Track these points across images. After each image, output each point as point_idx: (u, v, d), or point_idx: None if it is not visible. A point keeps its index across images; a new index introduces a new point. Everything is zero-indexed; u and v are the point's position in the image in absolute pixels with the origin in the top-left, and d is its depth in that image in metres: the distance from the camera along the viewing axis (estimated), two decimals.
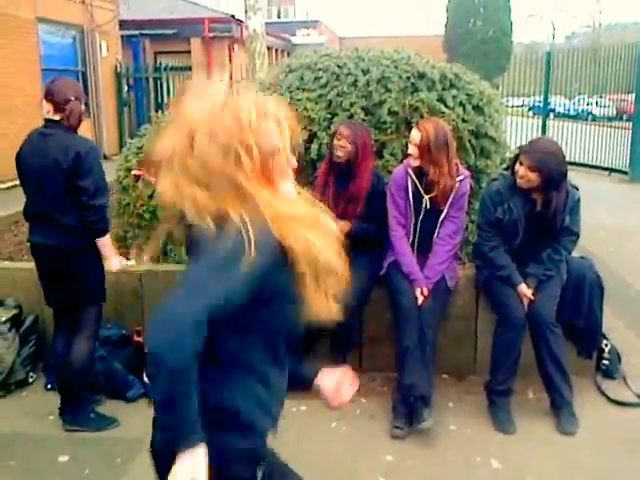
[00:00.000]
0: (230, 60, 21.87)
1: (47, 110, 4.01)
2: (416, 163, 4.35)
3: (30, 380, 4.93)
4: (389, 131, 5.29)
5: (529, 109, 22.38)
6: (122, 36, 17.69)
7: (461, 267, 4.95)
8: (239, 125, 1.78)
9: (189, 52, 21.25)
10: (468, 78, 5.77)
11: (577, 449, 4.00)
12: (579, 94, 19.35)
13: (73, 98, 4.00)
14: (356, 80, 5.43)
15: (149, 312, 5.10)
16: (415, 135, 4.34)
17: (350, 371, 2.27)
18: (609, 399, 4.56)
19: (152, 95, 17.45)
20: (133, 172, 4.86)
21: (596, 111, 19.04)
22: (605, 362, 4.84)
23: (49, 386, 4.84)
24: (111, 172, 5.24)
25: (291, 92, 5.50)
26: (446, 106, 5.33)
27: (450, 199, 4.38)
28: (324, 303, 1.89)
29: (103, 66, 16.08)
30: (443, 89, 5.51)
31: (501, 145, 5.75)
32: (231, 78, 18.99)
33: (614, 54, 15.61)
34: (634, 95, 14.42)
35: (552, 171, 4.09)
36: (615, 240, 8.60)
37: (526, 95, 21.68)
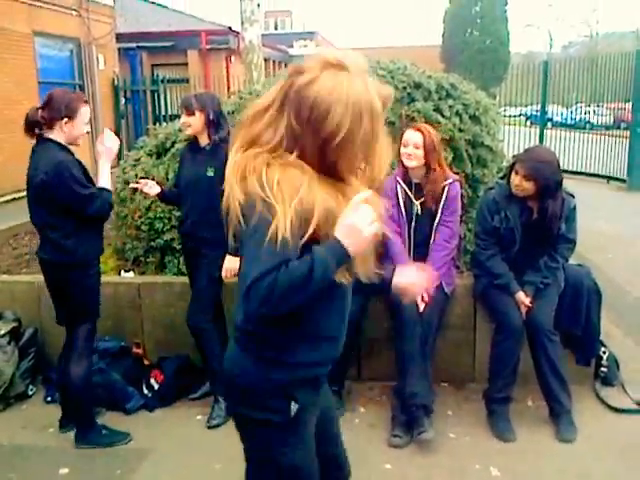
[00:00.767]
0: (227, 72, 21.91)
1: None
2: (415, 163, 4.37)
3: (30, 393, 4.93)
4: None
5: (527, 118, 22.43)
6: (119, 49, 17.72)
7: (459, 276, 4.96)
8: None
9: (186, 64, 21.28)
10: (464, 88, 5.81)
11: (576, 457, 4.00)
12: (577, 103, 19.40)
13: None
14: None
15: (147, 324, 5.11)
16: (415, 136, 4.35)
17: (423, 268, 2.50)
18: (608, 406, 4.56)
19: (149, 108, 17.48)
20: (131, 185, 4.86)
21: (594, 120, 19.09)
22: (603, 369, 4.84)
23: (49, 399, 4.85)
24: None
25: None
26: (442, 116, 5.36)
27: (442, 203, 4.40)
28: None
29: (100, 79, 16.10)
30: (439, 99, 5.54)
31: (498, 154, 5.77)
32: (229, 89, 19.04)
33: (611, 63, 15.65)
34: (631, 103, 14.46)
35: (547, 180, 4.11)
36: (613, 247, 8.60)
37: (524, 104, 21.75)
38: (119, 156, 6.12)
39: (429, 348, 4.33)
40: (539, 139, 16.45)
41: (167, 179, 5.40)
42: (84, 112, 3.96)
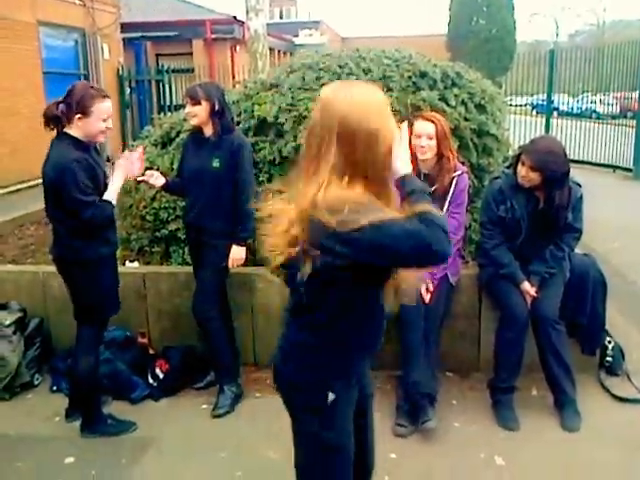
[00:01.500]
0: (232, 61, 21.86)
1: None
2: (429, 155, 4.34)
3: (35, 382, 4.94)
4: None
5: (533, 107, 22.34)
6: (123, 39, 17.71)
7: (464, 266, 4.95)
8: None
9: (191, 54, 21.25)
10: (470, 77, 5.78)
11: (581, 446, 4.00)
12: (583, 92, 19.31)
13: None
14: (357, 80, 5.43)
15: (153, 313, 5.12)
16: (428, 127, 4.30)
17: None
18: (613, 396, 4.56)
19: (154, 97, 17.47)
20: (137, 178, 4.85)
21: (600, 109, 18.98)
22: (608, 359, 4.83)
23: (54, 388, 4.86)
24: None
25: (292, 92, 5.50)
26: (448, 105, 5.33)
27: (450, 195, 4.38)
28: None
29: (105, 69, 16.11)
30: (445, 88, 5.52)
31: (503, 143, 5.75)
32: (234, 79, 19.01)
33: (618, 52, 15.59)
34: (638, 93, 14.40)
35: (554, 171, 4.08)
36: (619, 237, 8.59)
37: (530, 94, 21.65)
38: (124, 146, 6.08)
39: (434, 338, 4.33)
40: (545, 128, 16.39)
41: (172, 169, 5.39)
42: (101, 108, 3.82)
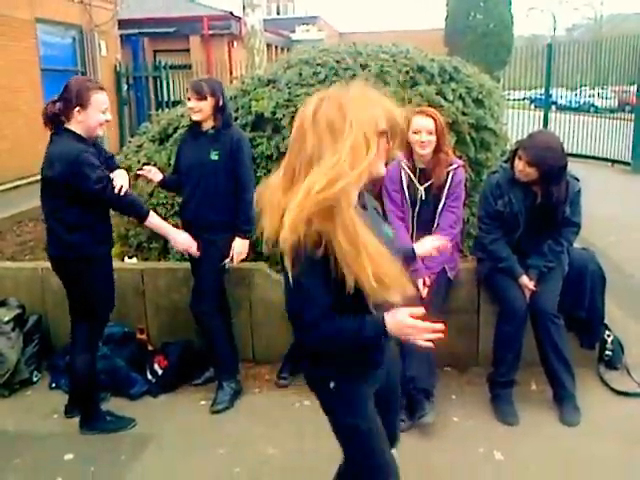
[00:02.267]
0: (230, 57, 21.84)
1: None
2: (429, 150, 4.34)
3: (34, 379, 4.94)
4: None
5: (531, 102, 22.33)
6: (121, 35, 17.65)
7: (463, 260, 4.95)
8: None
9: (188, 50, 21.24)
10: (467, 71, 5.78)
11: (580, 440, 4.00)
12: (581, 86, 19.30)
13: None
14: (355, 75, 5.43)
15: (151, 309, 5.12)
16: (428, 122, 4.30)
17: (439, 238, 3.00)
18: (612, 390, 4.56)
19: (152, 94, 17.44)
20: (137, 171, 4.85)
21: (598, 103, 19.01)
22: (608, 353, 4.83)
23: (53, 385, 4.86)
24: None
25: (290, 88, 5.50)
26: (445, 99, 5.33)
27: (446, 188, 4.38)
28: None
29: (102, 65, 16.05)
30: (442, 82, 5.51)
31: (501, 137, 5.75)
32: (231, 75, 18.99)
33: (616, 45, 15.58)
34: (636, 86, 14.39)
35: (551, 166, 4.07)
36: (617, 231, 8.58)
37: (528, 88, 21.64)
38: (121, 143, 6.08)
39: None
40: (543, 122, 16.38)
41: (169, 165, 5.40)
42: (99, 99, 3.83)
